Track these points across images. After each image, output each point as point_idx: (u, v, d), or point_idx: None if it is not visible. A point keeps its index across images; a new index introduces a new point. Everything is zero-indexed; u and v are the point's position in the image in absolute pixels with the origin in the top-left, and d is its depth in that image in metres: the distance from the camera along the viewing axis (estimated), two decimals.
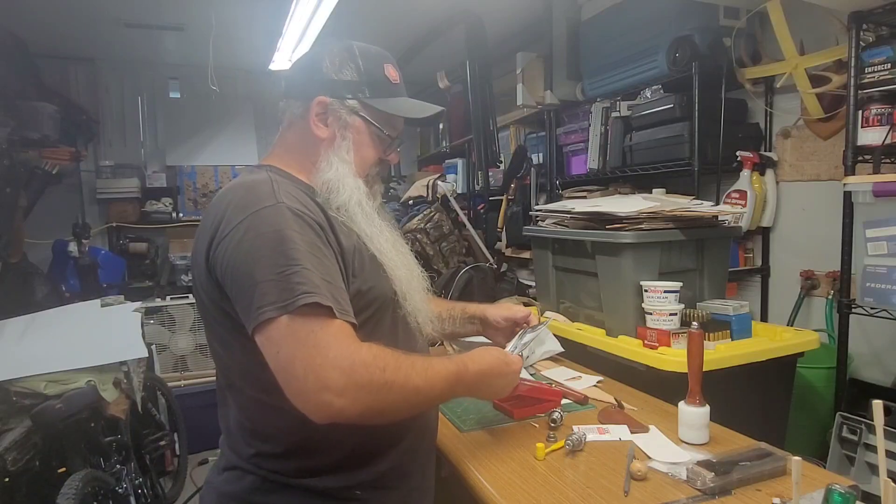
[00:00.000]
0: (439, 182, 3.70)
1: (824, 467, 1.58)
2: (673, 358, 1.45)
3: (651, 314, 1.58)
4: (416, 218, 3.36)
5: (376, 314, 0.96)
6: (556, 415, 1.23)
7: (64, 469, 1.88)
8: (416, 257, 1.12)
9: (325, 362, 0.80)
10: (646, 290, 1.59)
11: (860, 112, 1.73)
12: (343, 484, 0.93)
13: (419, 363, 0.90)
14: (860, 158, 1.75)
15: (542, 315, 1.98)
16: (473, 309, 1.36)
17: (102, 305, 2.47)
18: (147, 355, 2.22)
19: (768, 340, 1.64)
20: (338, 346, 0.82)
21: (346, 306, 0.86)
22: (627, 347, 1.60)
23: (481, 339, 1.50)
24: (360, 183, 1.01)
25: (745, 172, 2.29)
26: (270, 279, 0.82)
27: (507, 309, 1.34)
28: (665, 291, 1.56)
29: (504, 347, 1.33)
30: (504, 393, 1.11)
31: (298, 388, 0.81)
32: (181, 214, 4.16)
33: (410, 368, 0.87)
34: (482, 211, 3.52)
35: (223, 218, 0.88)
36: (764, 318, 2.41)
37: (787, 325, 2.26)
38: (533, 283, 2.36)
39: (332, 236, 0.92)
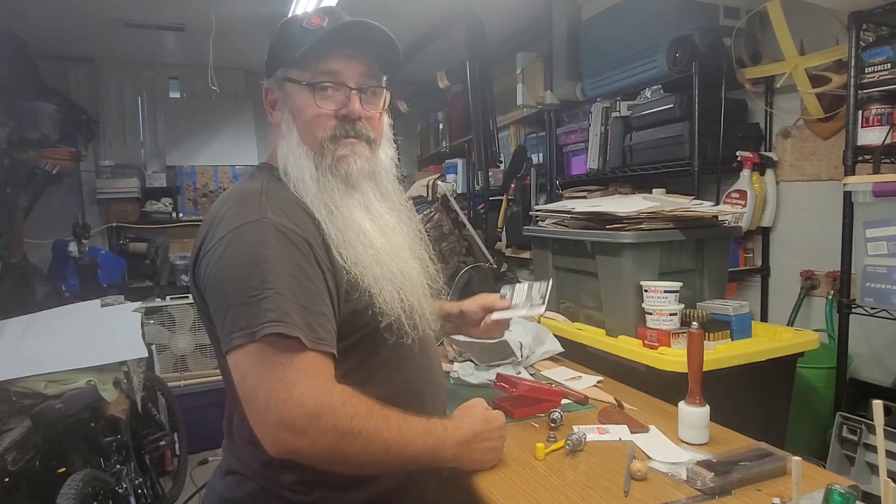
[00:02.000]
0: (439, 182, 3.70)
1: (824, 467, 1.58)
2: (673, 358, 1.45)
3: (651, 314, 1.58)
4: (416, 218, 3.36)
5: (376, 330, 0.91)
6: (556, 415, 1.22)
7: (64, 469, 1.88)
8: (426, 248, 1.07)
9: (290, 398, 0.77)
10: (646, 290, 1.59)
11: (860, 112, 1.73)
12: (343, 502, 0.91)
13: (393, 418, 0.85)
14: (860, 158, 1.75)
15: (541, 315, 1.98)
16: (449, 307, 1.33)
17: (102, 305, 2.47)
18: (147, 355, 2.22)
19: (768, 340, 1.64)
20: (306, 383, 0.78)
21: (322, 334, 0.82)
22: (627, 347, 1.60)
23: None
24: (306, 158, 0.92)
25: (745, 172, 2.29)
26: (242, 303, 0.79)
27: (481, 298, 1.31)
28: (665, 291, 1.56)
29: (478, 339, 1.35)
30: (493, 459, 1.01)
31: (258, 419, 0.79)
32: (181, 214, 4.16)
33: (383, 421, 0.83)
34: (482, 211, 3.52)
35: (209, 231, 0.86)
36: (764, 318, 2.41)
37: (787, 325, 2.26)
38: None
39: (321, 253, 0.86)
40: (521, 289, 1.32)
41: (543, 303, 1.28)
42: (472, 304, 1.30)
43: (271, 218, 0.84)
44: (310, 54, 0.91)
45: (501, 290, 1.34)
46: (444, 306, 1.32)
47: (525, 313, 1.30)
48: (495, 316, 1.28)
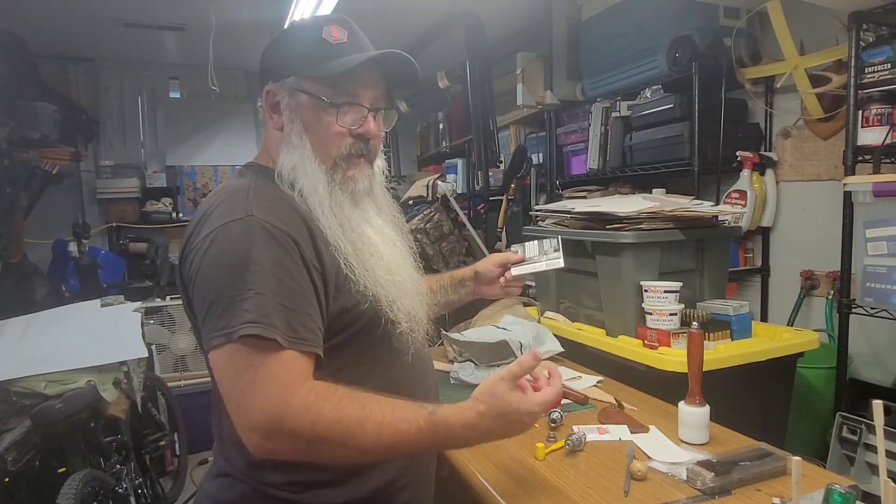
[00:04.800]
0: (439, 182, 3.70)
1: (824, 467, 1.58)
2: (673, 358, 1.45)
3: (651, 314, 1.58)
4: (416, 218, 3.37)
5: (364, 328, 0.91)
6: (555, 415, 1.22)
7: (64, 469, 1.88)
8: (415, 257, 1.07)
9: (256, 402, 0.76)
10: (646, 290, 1.59)
11: (860, 112, 1.73)
12: (334, 500, 0.90)
13: (372, 419, 0.79)
14: (860, 158, 1.75)
15: (541, 315, 1.98)
16: (462, 272, 1.33)
17: (102, 305, 2.47)
18: (147, 355, 2.22)
19: (768, 340, 1.64)
20: (275, 385, 0.77)
21: (304, 333, 0.80)
22: (627, 347, 1.60)
23: (479, 333, 1.50)
24: (318, 171, 0.92)
25: (745, 172, 2.29)
26: (223, 303, 0.78)
27: (494, 256, 1.32)
28: (665, 291, 1.56)
29: (500, 298, 1.34)
30: (521, 430, 0.89)
31: (235, 420, 0.79)
32: (181, 214, 4.16)
33: (357, 426, 0.78)
34: (482, 211, 3.51)
35: (195, 227, 0.86)
36: (764, 318, 2.41)
37: (787, 325, 2.26)
38: (533, 283, 2.36)
39: (309, 251, 0.85)
40: (532, 245, 1.32)
41: (560, 256, 1.27)
42: (486, 263, 1.31)
43: (258, 216, 0.83)
44: (336, 73, 0.90)
45: (513, 247, 1.35)
46: (455, 274, 1.33)
47: (545, 267, 1.28)
48: (515, 271, 1.28)
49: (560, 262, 1.27)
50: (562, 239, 1.30)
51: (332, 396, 0.79)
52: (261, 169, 0.96)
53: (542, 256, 1.29)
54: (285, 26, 1.00)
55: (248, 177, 0.92)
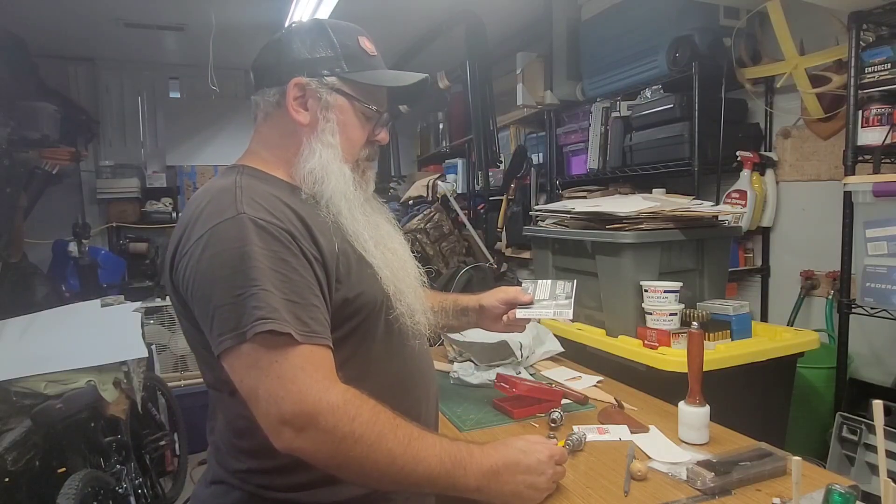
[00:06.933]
0: (439, 182, 3.70)
1: (824, 467, 1.58)
2: (673, 358, 1.45)
3: (651, 314, 1.58)
4: (416, 218, 3.37)
5: (367, 320, 0.91)
6: (555, 415, 1.22)
7: (64, 469, 1.88)
8: (415, 257, 1.08)
9: (288, 396, 0.75)
10: (646, 290, 1.59)
11: (860, 112, 1.73)
12: (335, 498, 0.89)
13: (403, 429, 0.81)
14: (860, 158, 1.75)
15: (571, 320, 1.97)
16: (466, 300, 1.32)
17: (102, 305, 2.47)
18: (147, 355, 2.22)
19: (768, 340, 1.64)
20: (304, 379, 0.76)
21: (315, 326, 0.80)
22: (627, 347, 1.60)
23: (479, 333, 1.50)
24: (347, 169, 0.95)
25: (745, 172, 2.29)
26: (228, 303, 0.77)
27: (501, 291, 1.31)
28: (665, 291, 1.56)
29: (501, 333, 1.35)
30: (531, 498, 0.90)
31: (261, 417, 0.77)
32: (181, 214, 4.16)
33: (390, 430, 0.79)
34: (482, 211, 3.52)
35: (184, 232, 0.84)
36: (764, 318, 2.41)
37: (787, 325, 2.26)
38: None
39: (307, 242, 0.84)
40: (544, 285, 1.30)
41: (571, 306, 1.25)
42: (493, 298, 1.30)
43: (249, 213, 0.81)
44: (378, 84, 0.98)
45: (523, 285, 1.33)
46: (459, 300, 1.33)
47: (552, 315, 1.26)
48: (520, 313, 1.27)
49: (569, 314, 1.24)
50: (576, 283, 1.27)
51: (369, 400, 0.81)
52: (246, 169, 0.94)
53: (551, 301, 1.27)
54: (292, 24, 1.01)
55: (233, 176, 0.90)
